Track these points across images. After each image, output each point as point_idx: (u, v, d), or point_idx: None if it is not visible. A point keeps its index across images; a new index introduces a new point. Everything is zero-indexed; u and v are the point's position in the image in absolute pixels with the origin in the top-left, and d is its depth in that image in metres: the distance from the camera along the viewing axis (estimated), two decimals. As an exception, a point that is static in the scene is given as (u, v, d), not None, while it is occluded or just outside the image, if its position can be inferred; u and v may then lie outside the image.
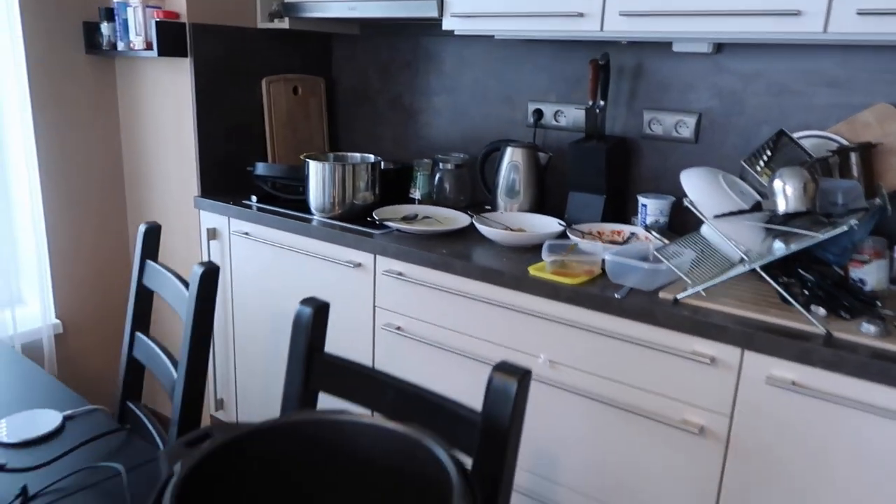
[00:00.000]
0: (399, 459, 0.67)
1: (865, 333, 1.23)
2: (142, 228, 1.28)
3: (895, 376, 1.14)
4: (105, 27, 2.19)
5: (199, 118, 2.15)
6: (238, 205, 2.09)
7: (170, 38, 2.05)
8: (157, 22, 2.02)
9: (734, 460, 1.34)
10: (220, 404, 2.36)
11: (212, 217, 2.17)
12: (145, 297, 1.29)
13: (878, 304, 1.36)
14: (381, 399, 0.87)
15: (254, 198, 2.14)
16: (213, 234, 2.18)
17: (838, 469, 1.23)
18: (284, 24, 2.20)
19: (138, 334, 1.28)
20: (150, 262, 1.26)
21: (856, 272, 1.46)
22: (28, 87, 2.14)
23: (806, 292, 1.36)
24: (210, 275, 1.04)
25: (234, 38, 2.20)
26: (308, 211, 2.01)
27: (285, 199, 2.14)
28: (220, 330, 2.28)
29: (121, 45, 2.16)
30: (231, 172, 2.29)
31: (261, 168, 2.12)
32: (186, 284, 1.13)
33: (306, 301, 0.92)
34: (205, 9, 2.11)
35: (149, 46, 2.09)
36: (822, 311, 1.31)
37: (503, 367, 0.75)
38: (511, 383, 0.74)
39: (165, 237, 2.37)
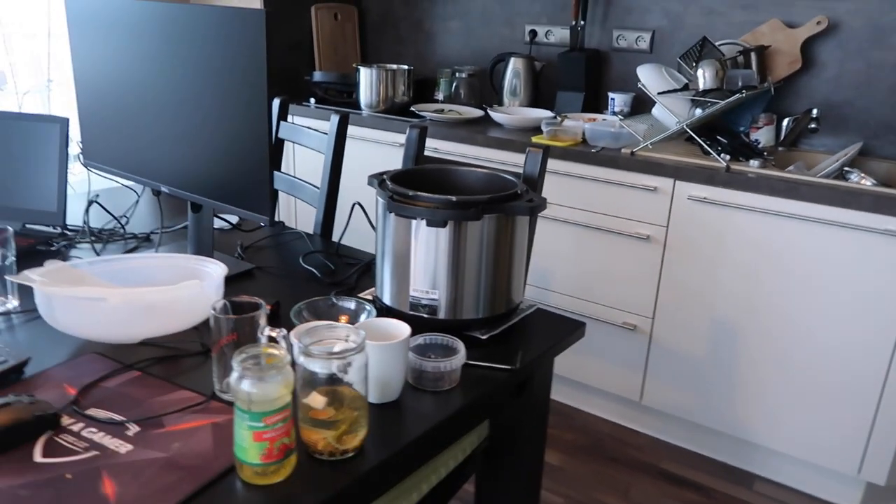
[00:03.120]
0: (484, 184, 1.32)
1: (751, 166, 1.92)
2: (276, 101, 1.90)
3: (762, 187, 1.83)
4: (187, -37, 2.73)
5: (268, 35, 2.72)
6: (299, 104, 2.69)
7: (245, -28, 2.61)
8: (236, -42, 2.57)
9: (669, 255, 2.04)
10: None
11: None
12: (279, 146, 1.92)
13: (765, 153, 2.04)
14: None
15: (312, 100, 2.74)
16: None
17: (733, 250, 1.93)
18: (331, -39, 2.76)
19: (275, 172, 1.91)
20: (283, 122, 1.88)
21: (754, 135, 2.14)
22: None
23: (719, 147, 2.04)
24: (344, 119, 1.67)
25: (290, -28, 2.77)
26: (357, 108, 2.63)
27: (335, 102, 2.74)
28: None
29: (201, -22, 2.71)
30: (288, 82, 2.88)
31: (318, 76, 2.72)
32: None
33: (413, 126, 1.56)
34: (270, -52, 2.67)
35: (227, -22, 2.65)
36: (727, 157, 1.99)
37: (534, 145, 1.41)
38: (538, 153, 1.39)
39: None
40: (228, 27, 1.18)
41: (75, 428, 0.89)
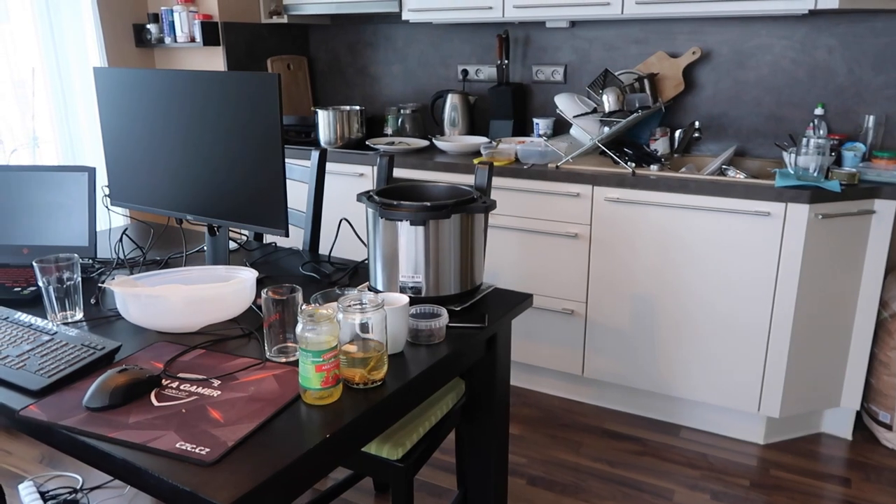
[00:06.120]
0: (448, 194, 1.70)
1: (652, 170, 2.38)
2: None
3: (661, 186, 2.28)
4: (153, 27, 3.06)
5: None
6: (265, 146, 3.03)
7: (209, 33, 2.96)
8: (201, 22, 2.92)
9: (594, 248, 2.47)
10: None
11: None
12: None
13: (663, 160, 2.51)
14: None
15: (275, 141, 3.08)
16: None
17: (644, 239, 2.38)
18: (283, 19, 3.14)
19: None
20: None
21: (653, 145, 2.62)
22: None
23: (626, 157, 2.49)
24: (323, 153, 2.03)
25: (247, 30, 3.13)
26: (317, 146, 2.99)
27: (296, 141, 3.09)
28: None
29: (168, 40, 3.04)
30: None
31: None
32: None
33: (383, 154, 1.94)
34: (228, 10, 3.02)
35: (192, 39, 2.99)
36: (633, 164, 2.44)
37: (482, 162, 1.81)
38: (485, 168, 1.80)
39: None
40: (250, 87, 1.54)
41: (173, 385, 1.22)
